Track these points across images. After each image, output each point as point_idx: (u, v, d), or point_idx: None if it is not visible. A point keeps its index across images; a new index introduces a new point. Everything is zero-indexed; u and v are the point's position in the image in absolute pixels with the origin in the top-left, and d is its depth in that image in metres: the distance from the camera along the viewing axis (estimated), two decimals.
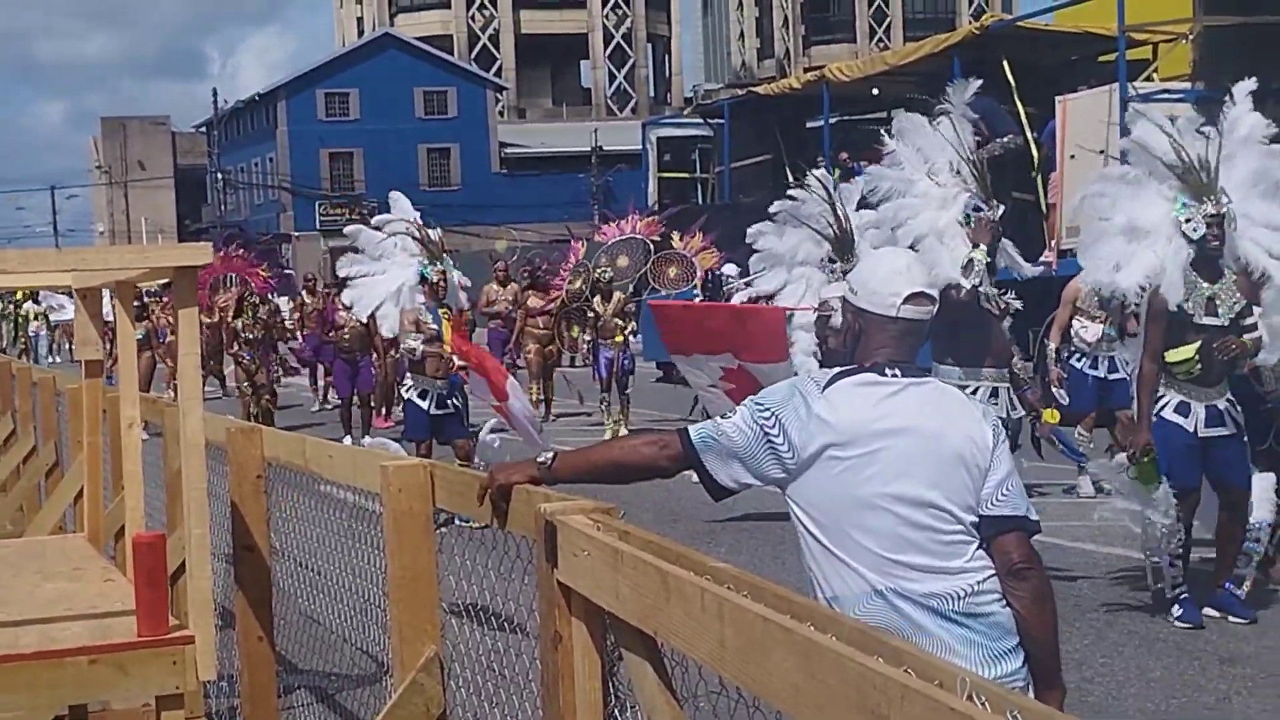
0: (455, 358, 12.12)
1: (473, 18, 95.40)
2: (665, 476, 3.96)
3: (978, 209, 9.00)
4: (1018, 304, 9.29)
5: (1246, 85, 8.55)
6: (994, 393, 8.96)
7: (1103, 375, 12.72)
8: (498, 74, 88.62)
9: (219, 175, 75.22)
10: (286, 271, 44.99)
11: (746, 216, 25.64)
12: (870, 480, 3.72)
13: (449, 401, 12.24)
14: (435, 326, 12.19)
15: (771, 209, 12.00)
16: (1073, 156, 18.35)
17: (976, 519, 3.79)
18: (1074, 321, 12.82)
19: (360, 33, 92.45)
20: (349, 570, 5.48)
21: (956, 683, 2.07)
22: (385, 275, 12.67)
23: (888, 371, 3.85)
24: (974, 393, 8.78)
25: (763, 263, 11.88)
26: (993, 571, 3.77)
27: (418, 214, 12.96)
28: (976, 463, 3.80)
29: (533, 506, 3.52)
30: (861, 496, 3.72)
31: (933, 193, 9.19)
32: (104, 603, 4.71)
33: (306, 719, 6.66)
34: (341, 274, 13.52)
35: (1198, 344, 8.37)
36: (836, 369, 3.91)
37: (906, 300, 3.91)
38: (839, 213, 10.74)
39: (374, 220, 13.25)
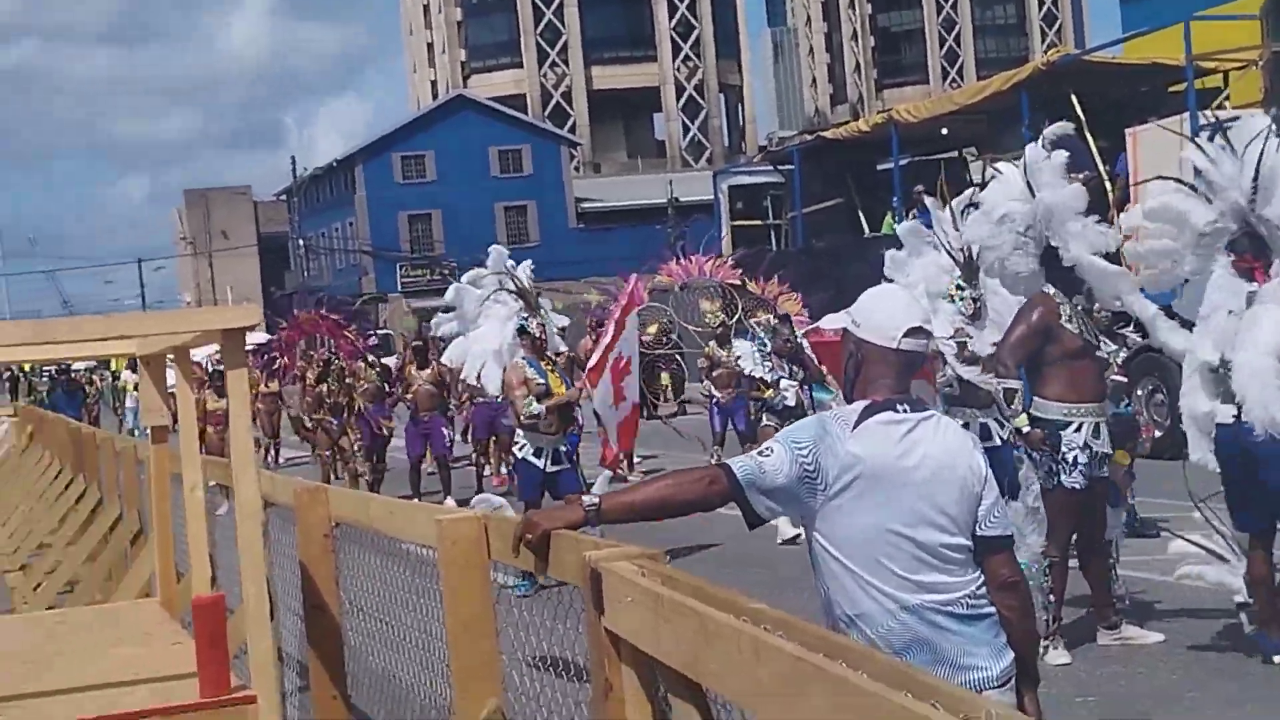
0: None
1: (545, 76, 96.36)
2: (707, 510, 4.06)
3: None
4: (1135, 336, 9.16)
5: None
6: (1096, 428, 8.79)
7: None
8: (572, 130, 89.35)
9: (300, 241, 76.12)
10: (384, 332, 45.29)
11: (820, 260, 25.73)
12: (895, 513, 3.99)
13: (563, 456, 12.05)
14: (542, 382, 12.00)
15: (901, 229, 11.82)
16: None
17: (972, 538, 4.11)
18: None
19: (434, 95, 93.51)
20: (416, 625, 5.49)
21: (983, 715, 2.04)
22: (484, 332, 12.63)
23: (899, 408, 4.10)
24: (1078, 429, 8.69)
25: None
26: (982, 579, 4.12)
27: (514, 264, 12.87)
28: (975, 489, 4.11)
29: (579, 554, 3.52)
30: (886, 527, 3.99)
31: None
32: (171, 666, 4.76)
33: None
34: (438, 334, 13.56)
35: None
36: (861, 406, 4.10)
37: (907, 334, 4.16)
38: (963, 240, 10.57)
39: (467, 276, 13.20)
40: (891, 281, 11.57)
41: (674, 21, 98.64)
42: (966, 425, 10.40)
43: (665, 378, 28.50)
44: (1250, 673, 8.15)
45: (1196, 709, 7.60)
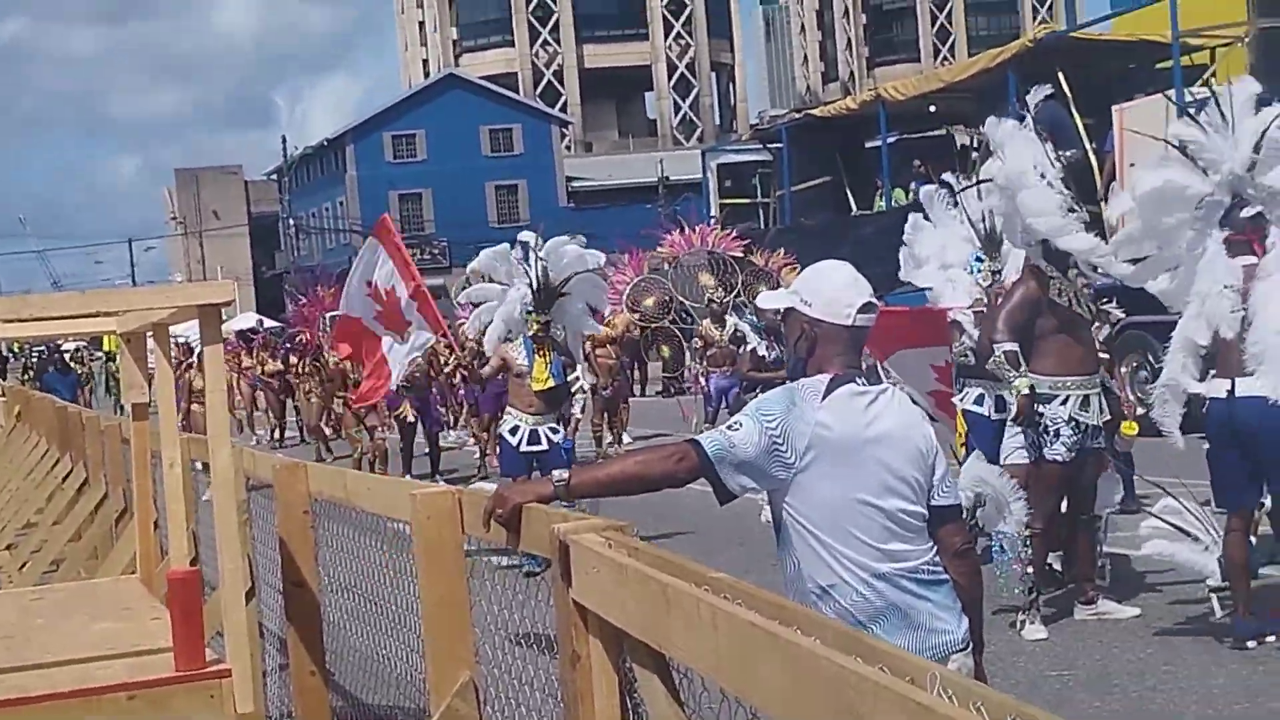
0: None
1: (536, 54, 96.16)
2: (677, 486, 4.09)
3: (1071, 209, 8.83)
4: (1118, 313, 9.12)
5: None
6: (1084, 401, 8.79)
7: None
8: (563, 109, 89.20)
9: (291, 221, 76.05)
10: None
11: (807, 239, 25.75)
12: (864, 482, 4.06)
13: (543, 437, 11.97)
14: (524, 363, 11.96)
15: (924, 194, 11.72)
16: (1132, 165, 18.18)
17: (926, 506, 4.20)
18: None
19: (426, 74, 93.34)
20: (394, 601, 5.53)
21: (926, 678, 2.08)
22: (504, 300, 12.49)
23: (859, 381, 4.17)
24: (1064, 402, 8.70)
25: (910, 261, 11.58)
26: (935, 548, 4.21)
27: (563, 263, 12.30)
28: (929, 460, 4.19)
29: (547, 527, 3.55)
30: (856, 497, 4.06)
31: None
32: (148, 641, 4.77)
33: None
34: (463, 300, 13.37)
35: None
36: (826, 379, 4.14)
37: (860, 310, 4.22)
38: (985, 211, 10.50)
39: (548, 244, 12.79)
40: (908, 246, 11.55)
41: None
42: (983, 397, 10.45)
43: (665, 350, 28.33)
44: (1225, 647, 8.19)
45: (1171, 683, 7.64)
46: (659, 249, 23.36)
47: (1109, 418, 8.99)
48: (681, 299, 21.99)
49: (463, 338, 18.76)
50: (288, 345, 22.98)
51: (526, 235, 12.76)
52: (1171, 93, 18.15)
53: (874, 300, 4.30)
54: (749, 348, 15.35)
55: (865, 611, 4.04)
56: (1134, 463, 10.92)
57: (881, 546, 4.07)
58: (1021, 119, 9.35)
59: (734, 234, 21.70)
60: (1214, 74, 20.17)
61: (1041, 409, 8.71)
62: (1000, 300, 9.12)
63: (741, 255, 20.15)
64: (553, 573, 3.52)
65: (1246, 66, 18.30)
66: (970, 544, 4.42)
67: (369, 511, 5.38)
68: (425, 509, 4.29)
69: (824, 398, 4.08)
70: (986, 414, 10.58)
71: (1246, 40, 18.11)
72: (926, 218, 11.46)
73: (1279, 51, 17.26)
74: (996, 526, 8.77)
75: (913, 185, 23.64)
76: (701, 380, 19.68)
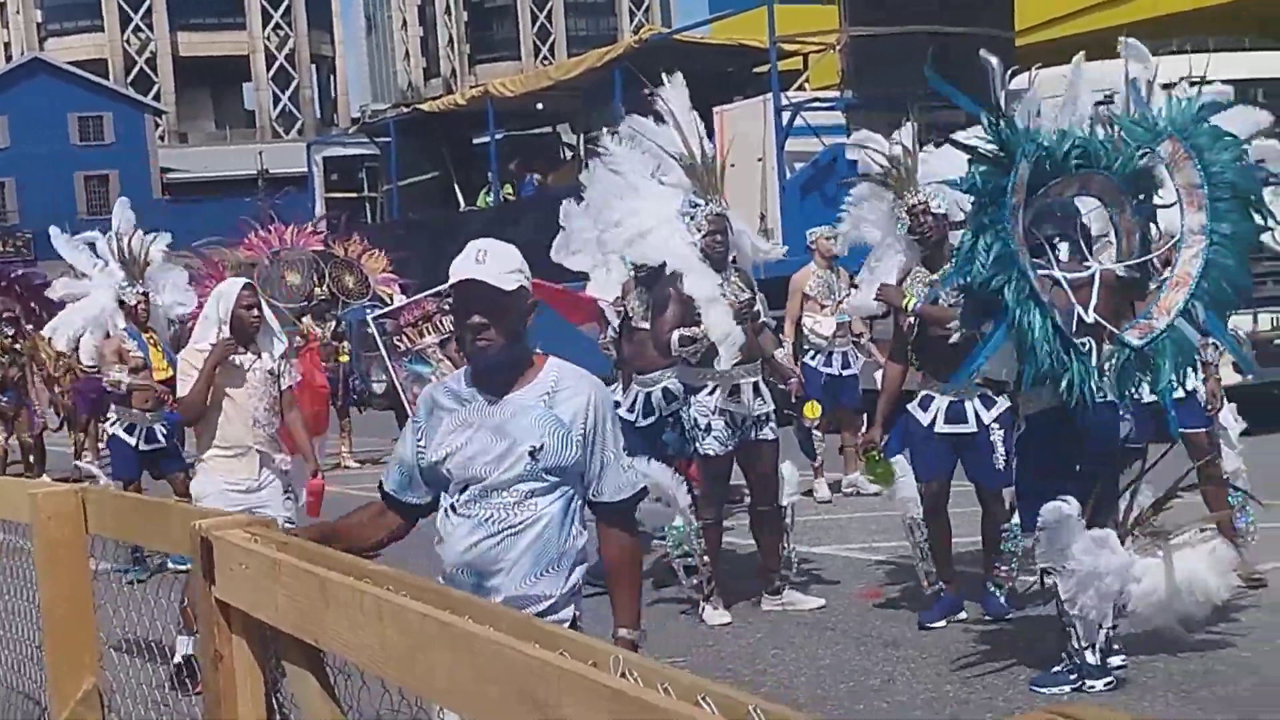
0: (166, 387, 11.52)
1: (128, 41, 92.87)
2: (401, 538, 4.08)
3: (694, 204, 8.75)
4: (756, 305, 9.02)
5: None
6: (734, 390, 8.74)
7: (836, 372, 12.67)
8: (156, 98, 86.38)
9: None
10: None
11: (415, 233, 25.63)
12: None
13: (160, 435, 11.27)
14: (141, 354, 11.27)
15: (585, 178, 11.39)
16: (733, 165, 18.73)
17: None
18: (805, 316, 12.80)
19: (8, 58, 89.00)
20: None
21: (609, 661, 2.09)
22: (88, 298, 11.87)
23: None
24: (711, 392, 8.70)
25: (564, 245, 11.19)
26: None
27: (130, 226, 11.68)
28: None
29: (187, 524, 3.43)
30: None
31: (654, 189, 9.08)
32: None
33: None
34: (56, 297, 12.69)
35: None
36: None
37: None
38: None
39: (103, 238, 12.14)
40: (564, 230, 11.27)
41: None
42: (650, 397, 10.05)
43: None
44: (830, 627, 8.55)
45: (780, 665, 7.88)
46: (240, 251, 22.67)
47: (770, 406, 9.01)
48: (273, 300, 21.51)
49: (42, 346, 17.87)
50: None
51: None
52: (769, 96, 18.88)
53: None
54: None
55: None
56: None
57: None
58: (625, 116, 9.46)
59: (310, 229, 21.32)
60: (807, 80, 21.04)
61: (691, 400, 8.82)
62: (654, 310, 9.01)
63: (323, 249, 19.80)
64: (194, 570, 3.40)
65: (838, 73, 19.14)
66: None
67: None
68: (47, 508, 4.10)
69: None
70: (633, 419, 9.84)
71: (839, 47, 18.85)
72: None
73: (868, 59, 18.02)
74: (670, 521, 8.90)
75: (525, 180, 23.84)
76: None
